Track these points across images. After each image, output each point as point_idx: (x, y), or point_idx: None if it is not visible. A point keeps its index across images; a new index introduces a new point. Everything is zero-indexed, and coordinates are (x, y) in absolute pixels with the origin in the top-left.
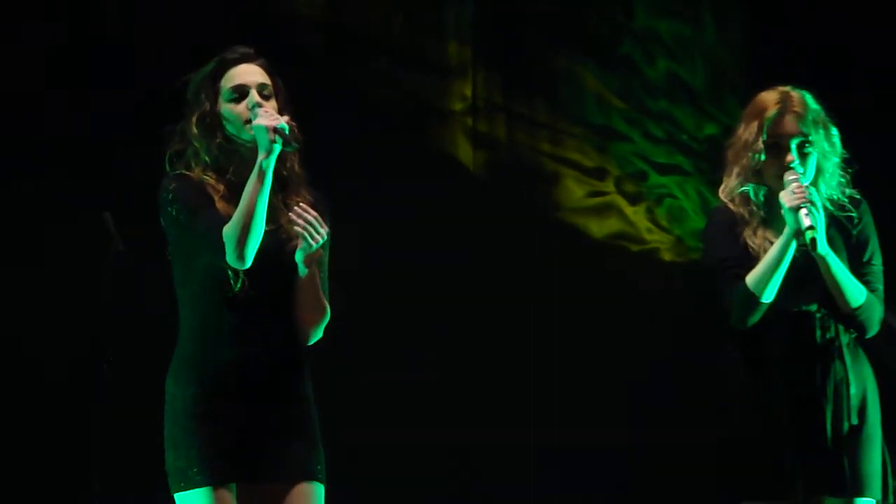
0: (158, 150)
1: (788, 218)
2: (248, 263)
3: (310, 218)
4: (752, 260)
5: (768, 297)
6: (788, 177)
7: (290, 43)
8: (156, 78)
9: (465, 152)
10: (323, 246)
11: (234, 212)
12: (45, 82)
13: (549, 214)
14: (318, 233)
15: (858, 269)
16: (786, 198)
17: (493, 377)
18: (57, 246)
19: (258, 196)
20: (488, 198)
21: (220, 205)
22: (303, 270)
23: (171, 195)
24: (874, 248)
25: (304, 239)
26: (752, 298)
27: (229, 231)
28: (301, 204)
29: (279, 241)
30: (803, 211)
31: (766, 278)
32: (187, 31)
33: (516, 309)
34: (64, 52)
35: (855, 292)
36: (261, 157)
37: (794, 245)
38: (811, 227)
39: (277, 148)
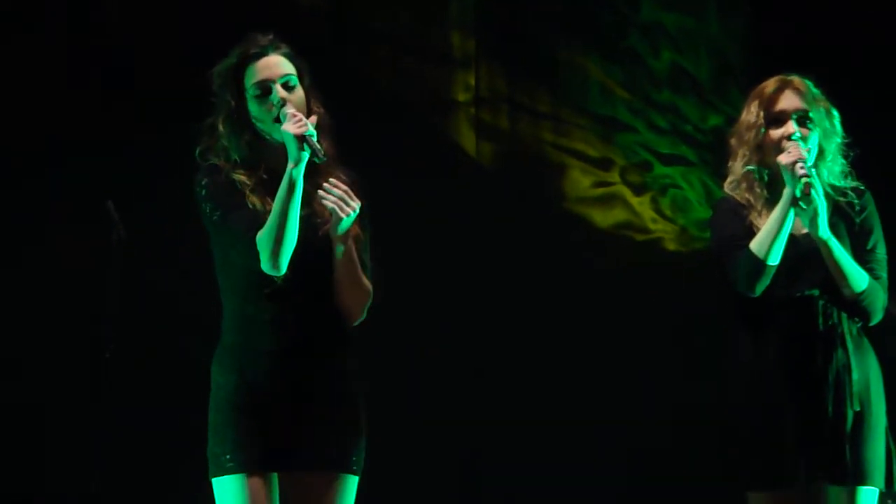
0: (163, 138)
1: (786, 176)
2: (283, 270)
3: (339, 192)
4: None
5: (774, 259)
6: (788, 144)
7: (293, 32)
8: (157, 68)
9: (469, 142)
10: (362, 226)
11: (267, 205)
12: (49, 73)
13: (554, 204)
14: (348, 205)
15: (862, 256)
16: (783, 157)
17: (495, 366)
18: (59, 235)
19: (290, 206)
20: (493, 187)
21: (251, 199)
22: (339, 249)
23: (204, 191)
24: (878, 237)
25: (335, 212)
26: (757, 262)
27: (262, 239)
28: (330, 179)
29: (313, 227)
30: (798, 164)
31: (770, 240)
32: (188, 22)
33: (520, 298)
34: (66, 44)
35: (857, 277)
36: (290, 166)
37: (792, 211)
38: (805, 176)
39: (306, 156)
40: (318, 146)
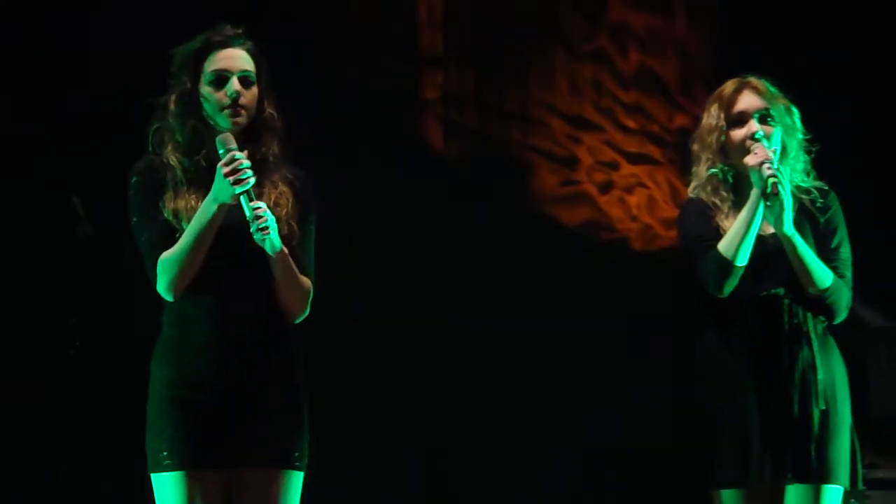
0: (128, 133)
1: (754, 177)
2: (175, 299)
3: (258, 222)
4: None
5: (742, 260)
6: (753, 144)
7: (262, 28)
8: (124, 53)
9: (438, 140)
10: (301, 223)
11: (186, 209)
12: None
13: (522, 203)
14: (265, 222)
15: (826, 255)
16: (749, 159)
17: (460, 362)
18: (25, 230)
19: (202, 246)
20: (461, 186)
21: (173, 204)
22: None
23: (131, 189)
24: (842, 236)
25: (253, 229)
26: (725, 262)
27: (165, 264)
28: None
29: (246, 220)
30: (765, 165)
31: (738, 240)
32: (149, 18)
33: (486, 297)
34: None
35: (821, 274)
36: (214, 204)
37: (762, 206)
38: (772, 176)
39: (227, 199)
40: (251, 213)
